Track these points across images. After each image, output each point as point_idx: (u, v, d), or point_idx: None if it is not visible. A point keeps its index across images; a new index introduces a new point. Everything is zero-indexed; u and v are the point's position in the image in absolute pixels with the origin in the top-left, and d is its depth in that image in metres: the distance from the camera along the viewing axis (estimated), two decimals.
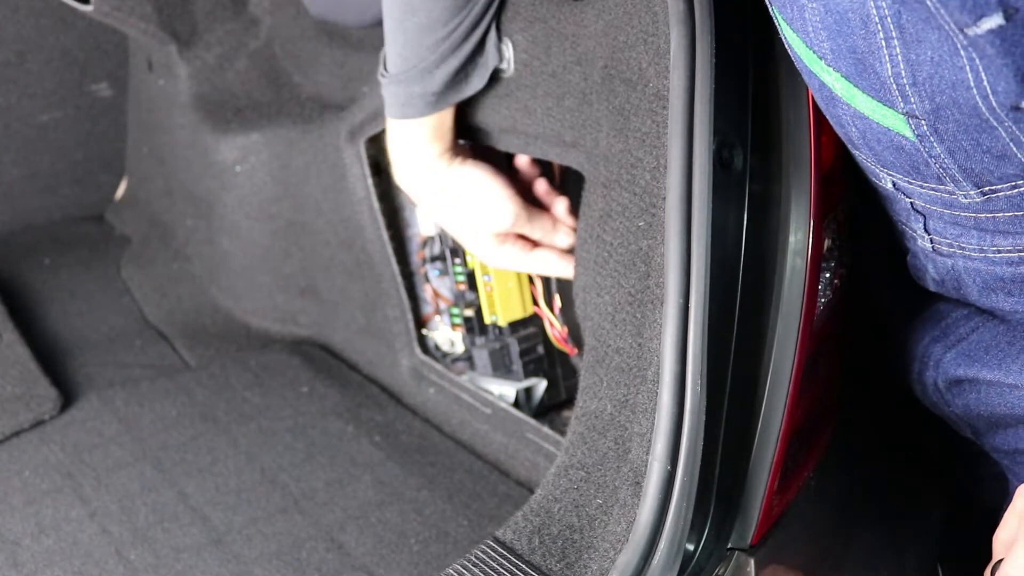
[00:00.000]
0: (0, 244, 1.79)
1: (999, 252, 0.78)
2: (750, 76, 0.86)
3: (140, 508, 1.15)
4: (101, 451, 1.25)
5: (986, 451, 0.96)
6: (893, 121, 0.70)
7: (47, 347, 1.47)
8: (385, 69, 1.02)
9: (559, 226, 1.11)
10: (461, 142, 1.11)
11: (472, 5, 0.97)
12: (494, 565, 0.89)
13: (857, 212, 0.94)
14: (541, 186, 1.14)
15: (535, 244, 1.12)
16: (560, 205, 1.12)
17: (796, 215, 0.84)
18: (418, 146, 1.06)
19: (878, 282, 1.02)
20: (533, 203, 1.12)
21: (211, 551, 1.09)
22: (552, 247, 1.11)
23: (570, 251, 1.11)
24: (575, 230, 1.12)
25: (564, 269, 1.11)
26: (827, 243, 0.88)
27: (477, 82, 1.03)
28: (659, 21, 0.86)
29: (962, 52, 0.61)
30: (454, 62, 0.99)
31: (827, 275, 0.89)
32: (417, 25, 0.97)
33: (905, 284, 0.95)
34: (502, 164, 1.14)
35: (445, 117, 1.05)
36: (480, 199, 1.08)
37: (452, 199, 1.09)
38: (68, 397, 1.35)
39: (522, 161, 1.16)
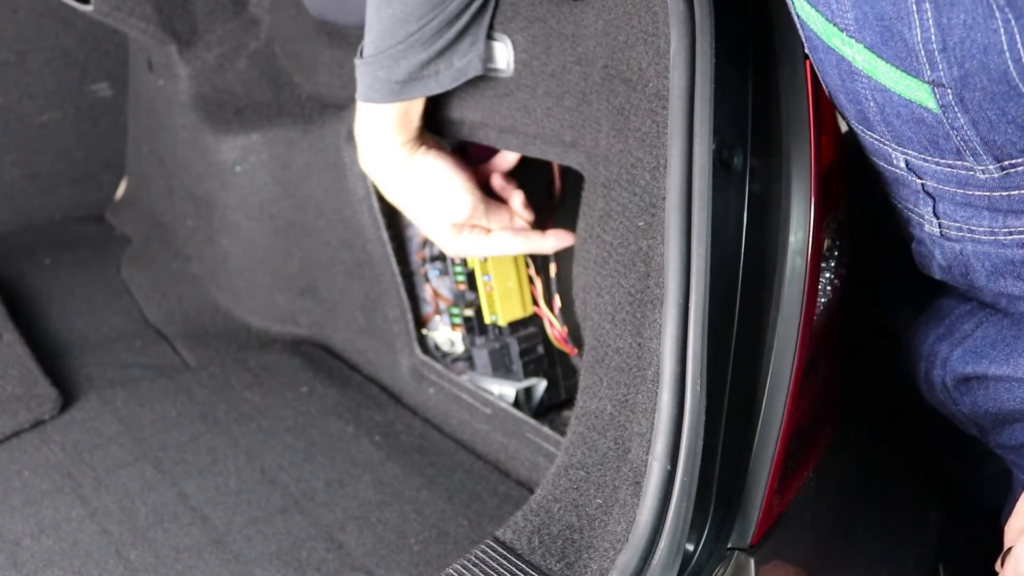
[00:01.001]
0: (0, 244, 1.79)
1: (1010, 234, 0.77)
2: (750, 76, 0.86)
3: (140, 508, 1.15)
4: (101, 451, 1.25)
5: (987, 451, 0.95)
6: (916, 92, 0.69)
7: (47, 347, 1.46)
8: (361, 53, 1.05)
9: (516, 219, 1.15)
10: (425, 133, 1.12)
11: (447, 3, 0.98)
12: (494, 565, 0.89)
13: (858, 211, 0.94)
14: (497, 180, 1.17)
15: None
16: (516, 199, 1.15)
17: (796, 215, 0.84)
18: (381, 133, 1.08)
19: (880, 282, 1.02)
20: (491, 196, 1.15)
21: (211, 551, 1.09)
22: (505, 228, 1.14)
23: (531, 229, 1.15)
24: (531, 223, 1.16)
25: (518, 245, 1.14)
26: (827, 243, 0.88)
27: (447, 81, 1.05)
28: (659, 21, 0.86)
29: (997, 14, 0.60)
30: (422, 55, 1.01)
31: (827, 275, 0.89)
32: (391, 16, 0.99)
33: (908, 283, 0.95)
34: (465, 156, 1.16)
35: (411, 108, 1.07)
36: (439, 190, 1.10)
37: (413, 189, 1.11)
38: (68, 397, 1.35)
39: (511, 155, 1.17)
